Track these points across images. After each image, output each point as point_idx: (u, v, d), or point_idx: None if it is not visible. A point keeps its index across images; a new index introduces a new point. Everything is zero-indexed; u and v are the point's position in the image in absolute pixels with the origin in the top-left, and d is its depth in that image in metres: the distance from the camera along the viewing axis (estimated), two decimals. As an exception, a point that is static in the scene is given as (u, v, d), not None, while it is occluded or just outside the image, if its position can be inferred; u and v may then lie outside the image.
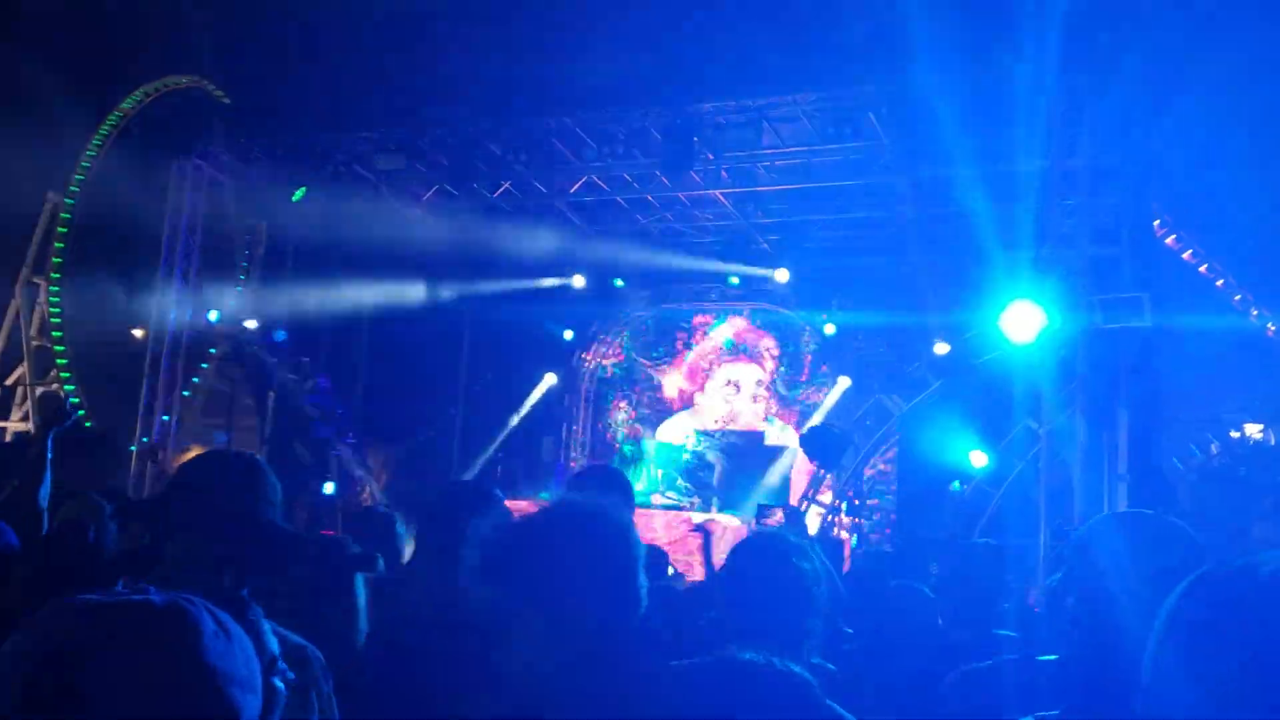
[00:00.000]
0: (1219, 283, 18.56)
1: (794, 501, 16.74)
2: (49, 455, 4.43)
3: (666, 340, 20.49)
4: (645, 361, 20.56)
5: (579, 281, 18.30)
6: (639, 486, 19.49)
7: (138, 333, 18.83)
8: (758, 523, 14.21)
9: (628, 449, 19.82)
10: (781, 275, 16.68)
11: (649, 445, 19.58)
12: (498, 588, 1.98)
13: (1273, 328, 17.46)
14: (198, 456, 3.08)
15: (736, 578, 2.94)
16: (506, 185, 16.37)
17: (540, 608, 1.94)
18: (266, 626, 1.99)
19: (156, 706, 1.17)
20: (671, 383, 20.42)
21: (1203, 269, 18.02)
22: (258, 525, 2.74)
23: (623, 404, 20.88)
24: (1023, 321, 12.16)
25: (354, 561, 3.32)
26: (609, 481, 3.68)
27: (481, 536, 2.05)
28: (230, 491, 2.73)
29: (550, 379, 20.09)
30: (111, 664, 1.17)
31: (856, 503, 17.04)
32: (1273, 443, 20.31)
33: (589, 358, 20.87)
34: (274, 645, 1.76)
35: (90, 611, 1.22)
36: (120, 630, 1.20)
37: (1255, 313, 18.63)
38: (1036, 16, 11.65)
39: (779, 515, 15.11)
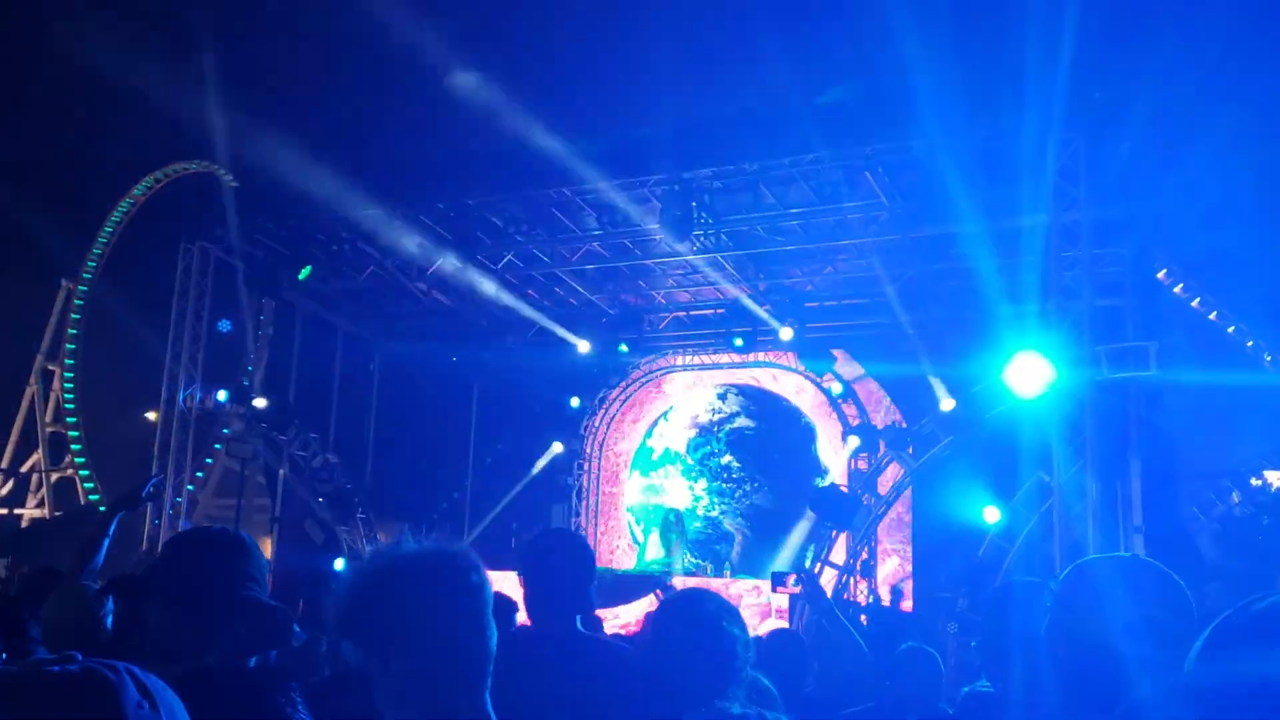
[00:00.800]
0: (1230, 329, 18.48)
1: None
2: (109, 535, 4.40)
3: (672, 402, 20.48)
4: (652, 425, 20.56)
5: (584, 347, 18.32)
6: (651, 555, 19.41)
7: (150, 415, 18.95)
8: (773, 590, 14.09)
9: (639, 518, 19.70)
10: (786, 334, 16.71)
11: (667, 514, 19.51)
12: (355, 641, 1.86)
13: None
14: (182, 533, 3.11)
15: (659, 638, 2.86)
16: (510, 256, 16.50)
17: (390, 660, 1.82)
18: (300, 705, 1.96)
19: None
20: (679, 444, 20.37)
21: (1212, 316, 17.96)
22: (240, 600, 2.75)
23: (634, 473, 20.82)
24: (1029, 375, 12.13)
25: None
26: (572, 546, 3.67)
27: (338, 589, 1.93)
28: (213, 567, 2.76)
29: (557, 447, 20.06)
30: None
31: (872, 564, 16.88)
32: (1294, 491, 20.08)
33: (596, 424, 20.85)
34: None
35: (11, 677, 1.17)
36: (32, 703, 1.14)
37: (1269, 358, 18.53)
38: (1038, 73, 11.78)
39: (792, 581, 15.00)
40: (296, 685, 2.00)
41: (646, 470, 20.84)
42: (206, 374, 17.17)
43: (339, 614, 1.86)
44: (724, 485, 19.90)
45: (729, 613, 2.87)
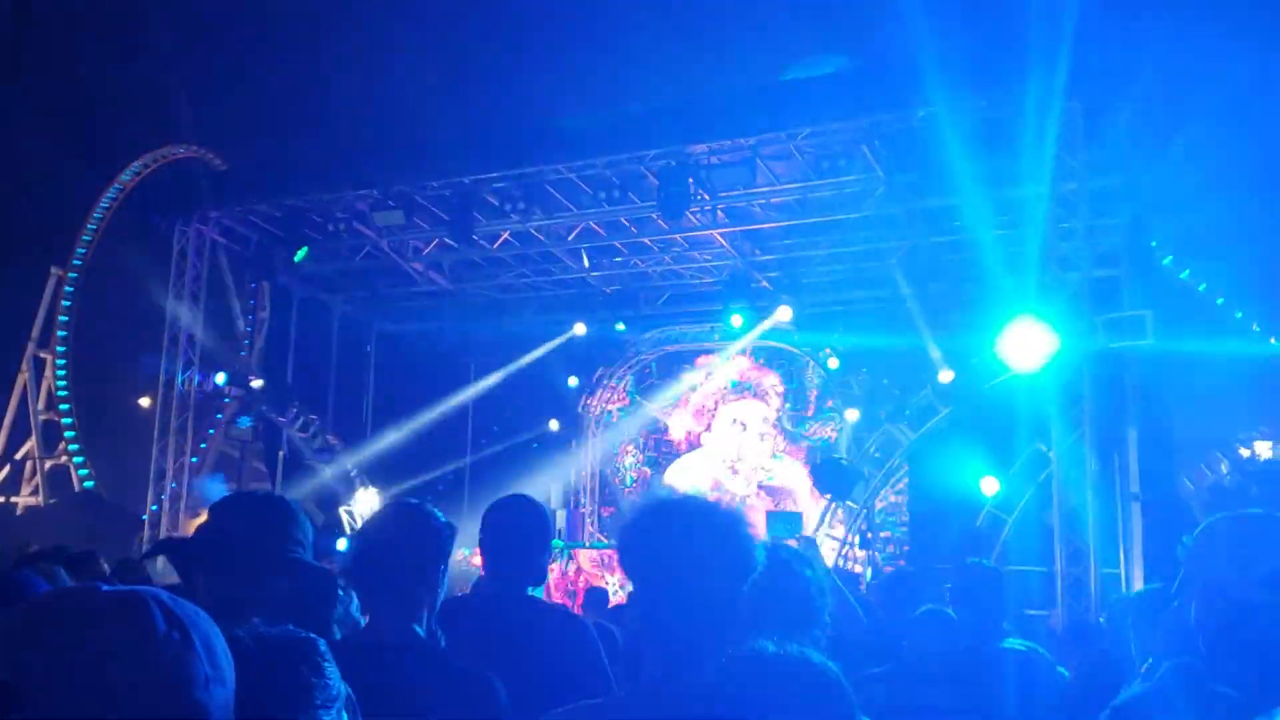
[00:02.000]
0: (1219, 301, 18.60)
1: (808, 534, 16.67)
2: None
3: (670, 381, 20.49)
4: (650, 404, 20.56)
5: (580, 329, 18.35)
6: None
7: (144, 401, 18.90)
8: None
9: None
10: (784, 312, 16.74)
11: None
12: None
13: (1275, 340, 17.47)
14: (228, 497, 3.11)
15: None
16: (505, 235, 16.49)
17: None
18: (332, 669, 1.98)
19: (100, 706, 1.07)
20: (678, 424, 20.41)
21: (1201, 287, 18.08)
22: (287, 565, 2.75)
23: (630, 447, 20.85)
24: (1028, 346, 12.19)
25: None
26: (526, 514, 3.67)
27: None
28: (258, 530, 2.75)
29: (554, 425, 20.09)
30: (50, 659, 1.08)
31: (870, 535, 16.98)
32: (1284, 460, 20.24)
33: (594, 403, 20.89)
34: (342, 688, 1.71)
35: (32, 604, 1.14)
36: (62, 623, 1.11)
37: (1257, 328, 18.67)
38: (1038, 42, 11.81)
39: (792, 545, 15.06)
40: (325, 652, 2.00)
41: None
42: (204, 357, 17.11)
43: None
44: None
45: (800, 558, 2.89)
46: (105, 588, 1.17)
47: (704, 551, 2.10)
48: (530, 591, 3.57)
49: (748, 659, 2.16)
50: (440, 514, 2.93)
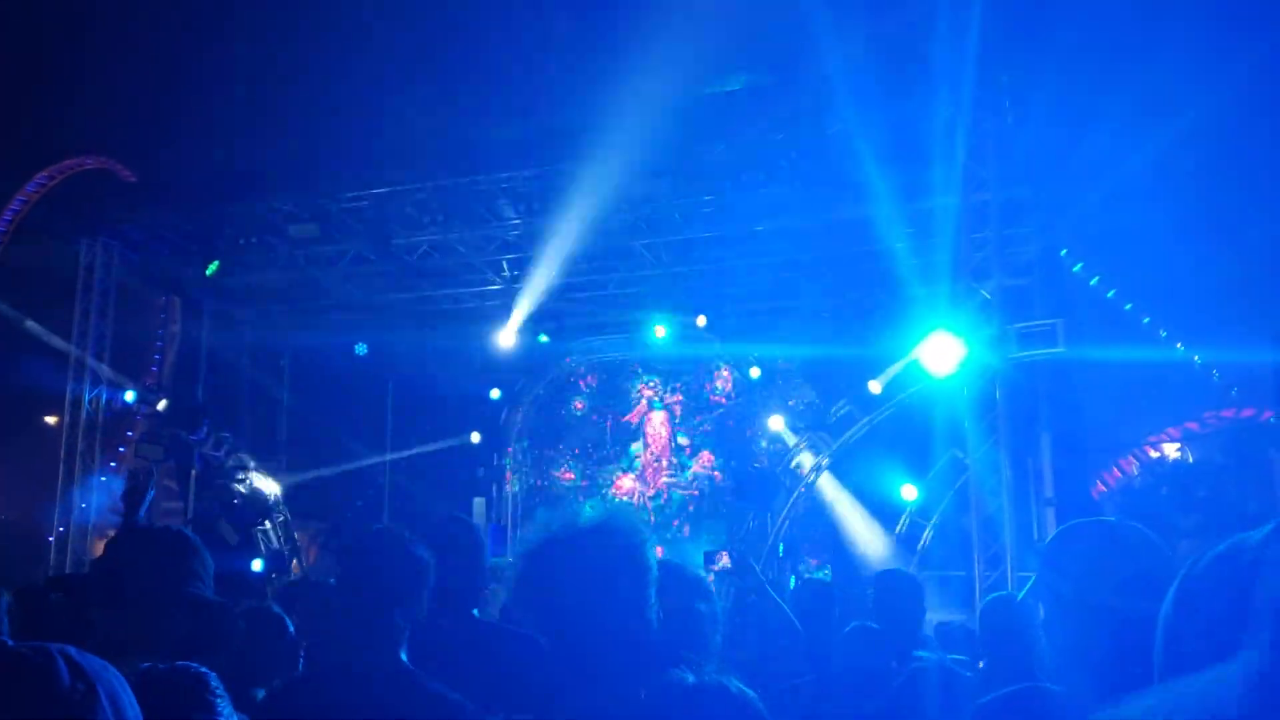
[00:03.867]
0: (1127, 306, 19.05)
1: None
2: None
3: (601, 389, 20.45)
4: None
5: (505, 340, 18.16)
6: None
7: (51, 420, 18.36)
8: (705, 568, 14.16)
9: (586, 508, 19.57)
10: (700, 320, 16.82)
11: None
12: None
13: (1181, 345, 17.94)
14: (125, 531, 3.06)
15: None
16: (425, 246, 16.32)
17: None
18: (224, 704, 1.93)
19: None
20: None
21: (1109, 294, 18.50)
22: (184, 601, 2.71)
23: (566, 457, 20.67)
24: (942, 354, 12.39)
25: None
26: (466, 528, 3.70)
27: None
28: (156, 565, 2.71)
29: (475, 438, 19.90)
30: None
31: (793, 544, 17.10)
32: (1190, 461, 20.80)
33: (517, 415, 20.74)
34: None
35: None
36: None
37: (1164, 334, 19.14)
38: (946, 55, 11.99)
39: (725, 559, 15.10)
40: (217, 687, 1.97)
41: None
42: (112, 374, 16.68)
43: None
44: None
45: (698, 588, 2.88)
46: (10, 644, 1.16)
47: (607, 579, 2.07)
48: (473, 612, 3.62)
49: (670, 688, 2.16)
50: (419, 546, 3.01)
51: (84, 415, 16.32)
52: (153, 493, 4.19)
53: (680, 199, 14.63)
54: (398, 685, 2.79)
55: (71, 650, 1.17)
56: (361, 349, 14.88)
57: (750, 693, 2.22)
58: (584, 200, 13.99)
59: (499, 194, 14.96)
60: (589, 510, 2.28)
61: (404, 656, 2.87)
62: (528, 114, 14.05)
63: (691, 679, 2.22)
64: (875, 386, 16.13)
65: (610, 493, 19.93)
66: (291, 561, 17.38)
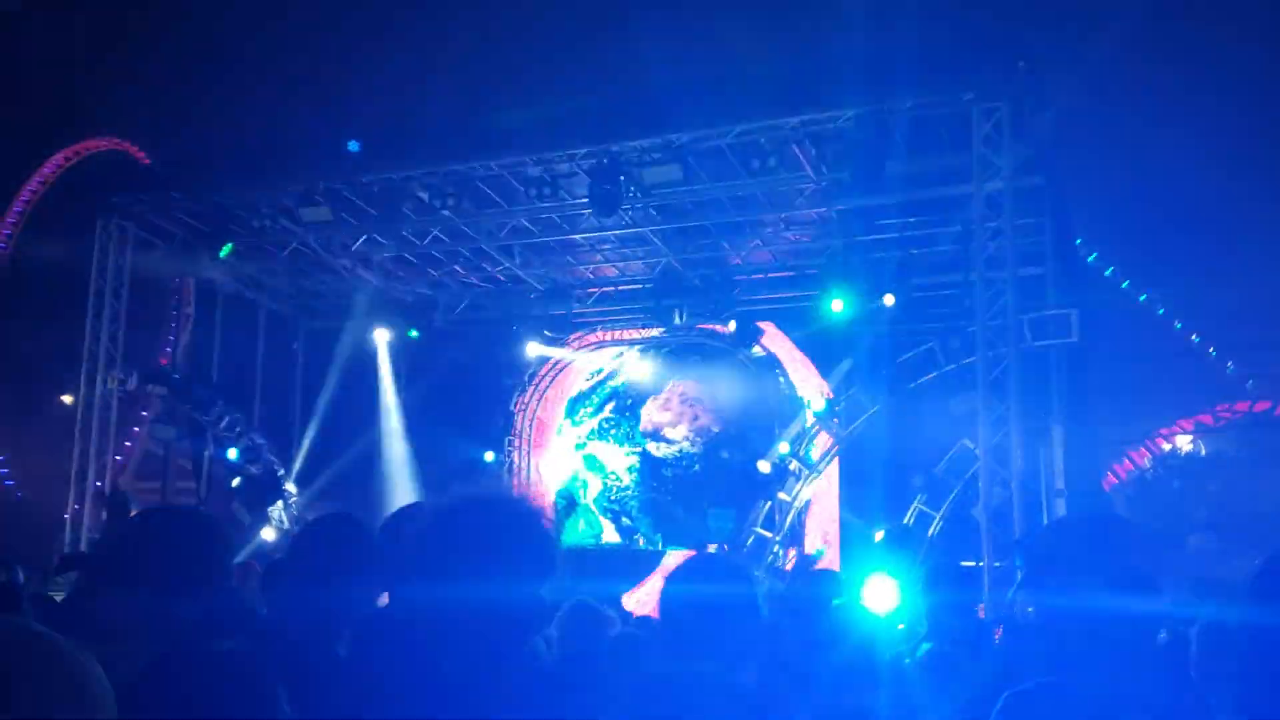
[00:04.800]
0: (1142, 298, 18.98)
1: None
2: None
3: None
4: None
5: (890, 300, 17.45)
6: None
7: (66, 399, 18.46)
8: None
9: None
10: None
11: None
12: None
13: (1196, 337, 17.86)
14: (146, 510, 3.02)
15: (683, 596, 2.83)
16: (435, 232, 16.33)
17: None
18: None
19: None
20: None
21: (1125, 284, 18.44)
22: (196, 588, 2.66)
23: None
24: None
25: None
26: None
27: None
28: (171, 546, 2.67)
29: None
30: None
31: (801, 532, 17.09)
32: (1203, 454, 20.74)
33: (528, 400, 20.70)
34: None
35: None
36: None
37: (1179, 325, 19.06)
38: (963, 47, 11.96)
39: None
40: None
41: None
42: (126, 355, 16.75)
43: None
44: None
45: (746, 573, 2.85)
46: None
47: (502, 549, 2.02)
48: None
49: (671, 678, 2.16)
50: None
51: (98, 395, 16.38)
52: (130, 499, 4.20)
53: (692, 186, 14.58)
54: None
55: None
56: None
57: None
58: (595, 188, 13.99)
59: (509, 180, 14.93)
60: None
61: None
62: (539, 99, 14.06)
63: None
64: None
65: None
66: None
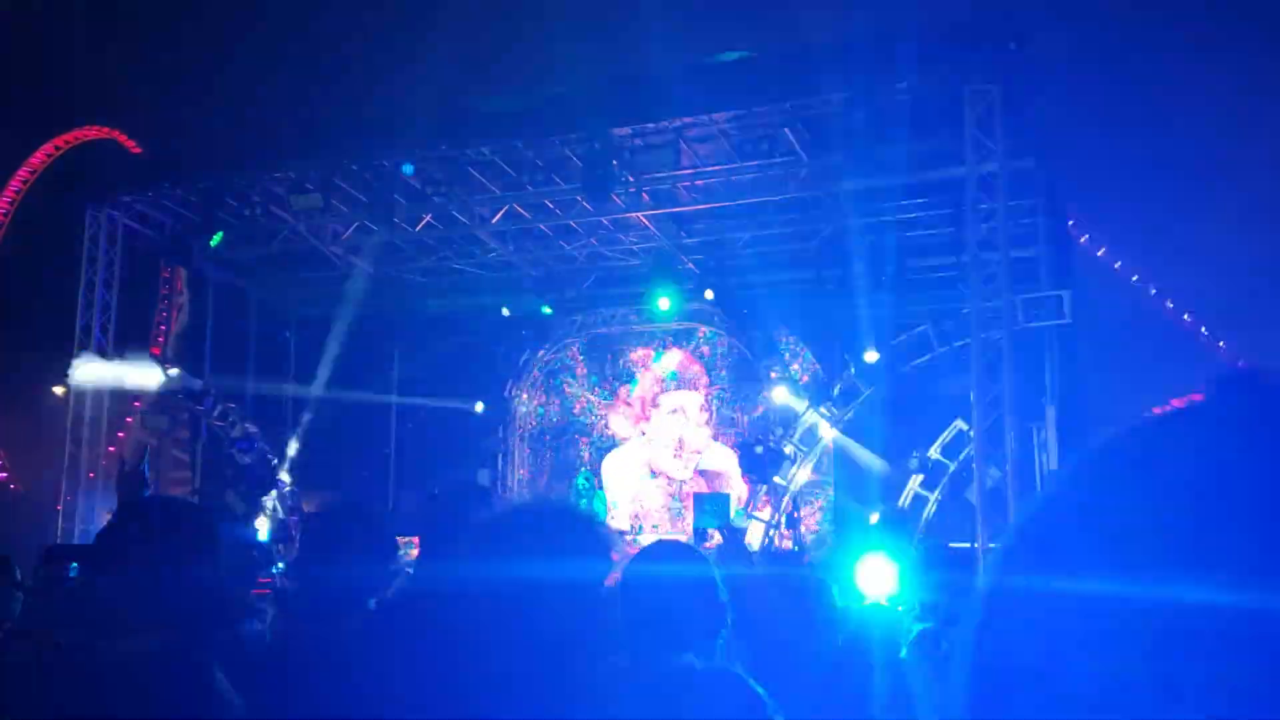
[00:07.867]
0: (1134, 278, 18.99)
1: (735, 515, 16.79)
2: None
3: (604, 375, 20.29)
4: (593, 399, 20.33)
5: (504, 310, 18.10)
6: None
7: (58, 390, 18.40)
8: (698, 545, 14.20)
9: (581, 482, 19.50)
10: (708, 294, 16.79)
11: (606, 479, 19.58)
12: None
13: (1188, 316, 17.88)
14: (142, 500, 3.02)
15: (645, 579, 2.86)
16: (428, 218, 16.29)
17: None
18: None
19: None
20: (618, 421, 20.15)
21: (1117, 265, 18.44)
22: (193, 575, 2.67)
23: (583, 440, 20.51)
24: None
25: None
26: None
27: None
28: (166, 538, 2.67)
29: (479, 408, 19.82)
30: None
31: (796, 516, 17.11)
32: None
33: (523, 393, 20.65)
34: None
35: None
36: None
37: (1171, 305, 19.07)
38: (954, 28, 11.93)
39: (716, 537, 15.19)
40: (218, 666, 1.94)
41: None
42: (117, 344, 16.70)
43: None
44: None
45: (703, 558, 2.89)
46: None
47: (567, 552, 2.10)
48: None
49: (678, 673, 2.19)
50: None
51: (90, 385, 16.34)
52: (147, 471, 4.20)
53: (685, 169, 14.56)
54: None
55: None
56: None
57: (756, 686, 2.28)
58: (587, 173, 13.95)
59: (501, 165, 14.88)
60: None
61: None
62: (530, 85, 14.01)
63: (700, 664, 2.26)
64: (870, 356, 16.03)
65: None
66: (298, 533, 17.45)
